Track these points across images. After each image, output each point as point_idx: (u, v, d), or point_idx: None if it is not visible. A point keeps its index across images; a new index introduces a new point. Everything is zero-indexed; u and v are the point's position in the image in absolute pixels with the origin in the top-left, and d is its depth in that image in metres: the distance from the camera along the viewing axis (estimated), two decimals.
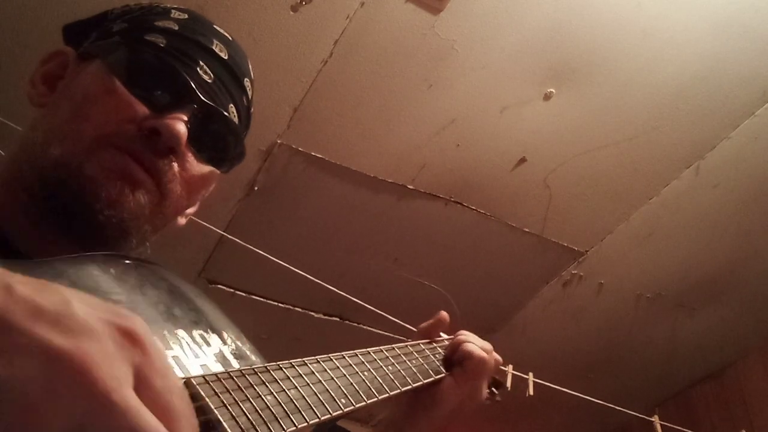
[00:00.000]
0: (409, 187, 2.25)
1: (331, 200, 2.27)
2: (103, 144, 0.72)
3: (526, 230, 2.40)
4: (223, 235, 2.16)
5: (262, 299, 2.56)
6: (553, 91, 2.01)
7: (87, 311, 0.40)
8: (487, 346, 1.05)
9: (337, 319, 2.68)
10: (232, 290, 2.52)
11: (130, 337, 0.41)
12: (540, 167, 2.22)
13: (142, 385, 0.41)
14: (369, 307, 2.13)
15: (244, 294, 2.54)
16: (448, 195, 2.29)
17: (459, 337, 1.06)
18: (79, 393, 0.37)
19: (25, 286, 0.40)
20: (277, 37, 1.86)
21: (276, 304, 2.59)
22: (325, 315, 2.66)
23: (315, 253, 2.39)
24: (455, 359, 1.01)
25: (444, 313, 1.09)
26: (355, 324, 2.68)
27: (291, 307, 2.61)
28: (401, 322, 2.02)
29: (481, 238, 2.42)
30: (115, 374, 0.39)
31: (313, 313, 2.64)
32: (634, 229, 2.41)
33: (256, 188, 2.21)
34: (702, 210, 2.34)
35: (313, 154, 2.14)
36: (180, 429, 0.42)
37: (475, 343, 1.03)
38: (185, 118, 0.75)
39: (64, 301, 0.40)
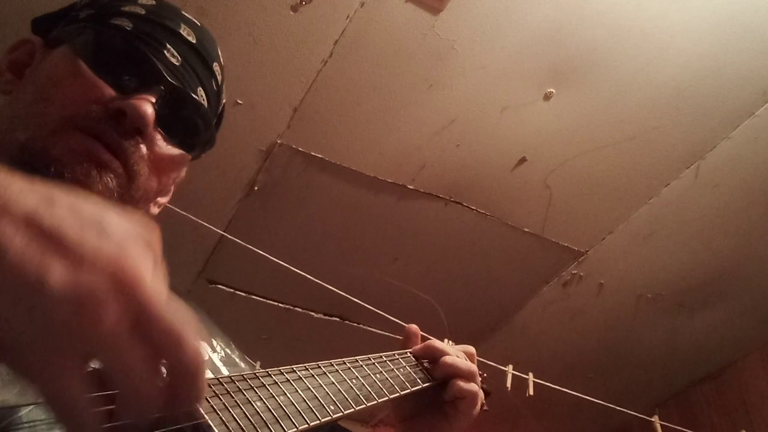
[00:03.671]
0: (409, 187, 2.25)
1: (331, 200, 2.27)
2: (68, 126, 0.71)
3: (526, 230, 2.40)
4: (223, 235, 2.17)
5: (262, 299, 2.57)
6: (553, 91, 2.01)
7: (120, 219, 0.43)
8: (469, 350, 1.03)
9: (337, 319, 2.68)
10: (232, 290, 2.52)
11: (149, 245, 0.45)
12: (540, 167, 2.21)
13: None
14: (369, 307, 2.13)
15: (244, 294, 2.54)
16: (448, 195, 2.29)
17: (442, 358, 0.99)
18: (132, 295, 0.40)
19: (66, 197, 0.42)
20: (277, 37, 1.86)
21: (276, 304, 2.59)
22: (325, 315, 2.66)
23: (315, 253, 2.39)
24: (447, 398, 0.96)
25: (413, 328, 1.05)
26: (355, 324, 2.68)
27: (291, 307, 2.61)
28: (401, 322, 2.02)
29: (481, 238, 2.42)
30: (153, 279, 0.43)
31: (313, 313, 2.65)
32: (634, 229, 2.41)
33: (256, 188, 2.22)
34: (702, 210, 2.34)
35: (313, 154, 2.14)
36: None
37: (457, 365, 0.96)
38: (152, 100, 0.74)
39: (102, 211, 0.43)
